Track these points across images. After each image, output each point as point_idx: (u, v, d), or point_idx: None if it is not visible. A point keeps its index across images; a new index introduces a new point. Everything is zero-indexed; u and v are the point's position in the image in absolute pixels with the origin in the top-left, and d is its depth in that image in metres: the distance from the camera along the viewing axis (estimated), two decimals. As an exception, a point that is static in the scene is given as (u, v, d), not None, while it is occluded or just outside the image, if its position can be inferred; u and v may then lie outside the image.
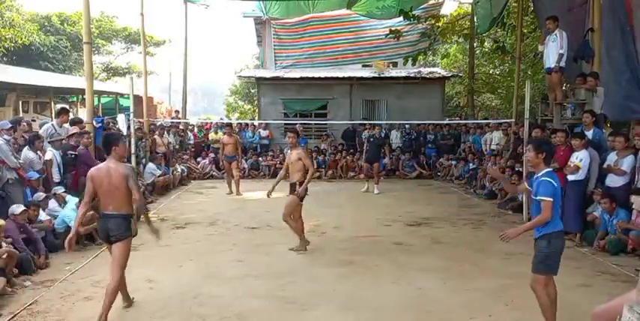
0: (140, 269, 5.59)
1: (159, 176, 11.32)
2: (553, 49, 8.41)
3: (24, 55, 24.93)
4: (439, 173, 14.51)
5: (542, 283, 4.09)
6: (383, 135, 14.22)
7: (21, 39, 20.27)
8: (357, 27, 15.05)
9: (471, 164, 13.07)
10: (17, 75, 17.66)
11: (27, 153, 7.18)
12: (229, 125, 12.32)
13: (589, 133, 7.56)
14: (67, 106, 17.01)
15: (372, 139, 12.02)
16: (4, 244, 5.26)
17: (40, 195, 6.92)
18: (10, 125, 7.29)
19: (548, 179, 3.89)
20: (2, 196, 6.41)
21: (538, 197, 3.89)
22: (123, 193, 4.23)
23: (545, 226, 3.91)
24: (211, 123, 18.06)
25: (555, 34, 8.33)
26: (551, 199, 3.83)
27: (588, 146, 7.22)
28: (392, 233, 7.71)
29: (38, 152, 7.32)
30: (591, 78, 8.17)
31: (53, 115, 14.86)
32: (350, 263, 6.11)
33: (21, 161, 6.89)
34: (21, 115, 16.04)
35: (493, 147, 13.06)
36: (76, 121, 9.00)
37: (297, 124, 16.27)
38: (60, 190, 7.25)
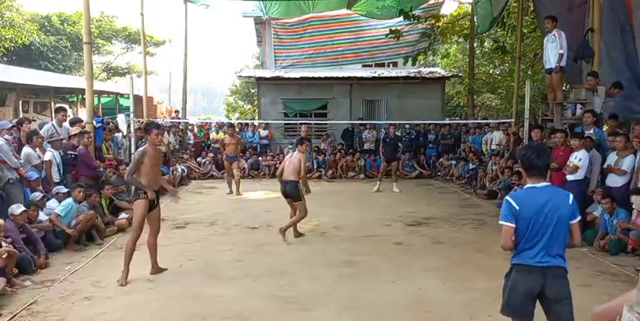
0: (140, 269, 5.59)
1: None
2: (553, 50, 8.41)
3: (24, 55, 24.91)
4: (439, 173, 14.51)
5: None
6: (399, 134, 14.22)
7: (21, 39, 20.23)
8: (357, 27, 15.05)
9: (471, 164, 13.07)
10: (17, 75, 17.65)
11: (25, 149, 7.21)
12: (232, 126, 12.30)
13: (590, 133, 7.57)
14: (66, 106, 16.97)
15: (387, 140, 12.03)
16: (4, 244, 5.26)
17: (37, 195, 6.92)
18: (10, 125, 7.32)
19: (507, 198, 3.21)
20: (2, 196, 6.41)
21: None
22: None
23: (513, 255, 3.26)
24: (210, 123, 18.06)
25: (554, 35, 8.33)
26: (506, 224, 3.16)
27: (592, 147, 7.23)
28: (392, 233, 7.71)
29: (37, 149, 7.34)
30: (591, 77, 8.17)
31: (53, 115, 14.85)
32: (350, 263, 6.11)
33: (22, 161, 6.90)
34: (21, 115, 16.02)
35: (493, 147, 13.06)
36: (75, 121, 9.02)
37: (297, 123, 16.33)
38: (63, 190, 7.25)
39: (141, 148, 5.35)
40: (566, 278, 3.19)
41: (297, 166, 7.07)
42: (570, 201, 3.14)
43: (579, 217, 3.23)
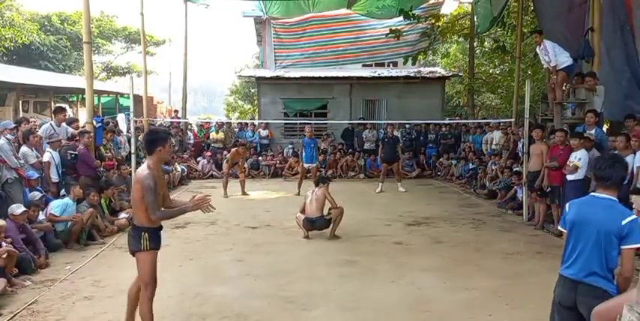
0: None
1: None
2: (546, 62, 8.53)
3: (24, 55, 24.88)
4: (439, 173, 14.51)
5: None
6: (398, 135, 14.26)
7: (21, 38, 20.20)
8: (357, 27, 15.04)
9: (470, 164, 13.07)
10: (17, 75, 17.63)
11: (22, 148, 7.24)
12: (244, 146, 12.21)
13: (591, 133, 7.56)
14: (65, 105, 16.96)
15: (386, 140, 12.03)
16: (4, 244, 5.26)
17: (36, 194, 6.92)
18: (13, 125, 7.32)
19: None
20: (2, 196, 6.41)
21: None
22: (137, 202, 3.78)
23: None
24: (210, 123, 18.06)
25: (541, 49, 8.44)
26: (560, 229, 3.19)
27: (592, 147, 7.23)
28: (392, 233, 7.71)
29: (34, 149, 7.34)
30: (590, 78, 8.17)
31: (52, 115, 14.82)
32: (350, 263, 6.11)
33: (21, 161, 6.90)
34: (21, 114, 16.01)
35: (494, 147, 13.06)
36: (72, 121, 9.05)
37: (297, 123, 16.32)
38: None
39: (146, 173, 3.67)
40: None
41: (322, 202, 7.27)
42: (625, 222, 2.80)
43: (638, 245, 2.82)
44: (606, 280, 2.90)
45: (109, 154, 9.73)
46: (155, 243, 3.81)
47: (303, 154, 11.61)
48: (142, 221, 3.77)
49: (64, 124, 8.56)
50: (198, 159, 14.73)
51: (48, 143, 7.81)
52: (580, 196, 7.12)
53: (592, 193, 3.05)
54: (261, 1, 13.95)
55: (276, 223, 8.36)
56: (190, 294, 5.02)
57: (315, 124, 16.55)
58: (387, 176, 12.23)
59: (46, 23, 27.08)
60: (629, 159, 6.80)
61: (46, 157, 7.51)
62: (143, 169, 3.73)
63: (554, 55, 8.31)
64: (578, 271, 2.96)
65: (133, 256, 3.85)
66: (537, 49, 8.81)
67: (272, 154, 15.15)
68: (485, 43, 19.51)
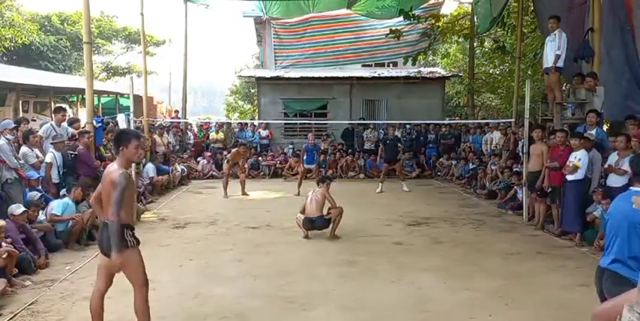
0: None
1: (159, 175, 11.38)
2: (551, 49, 8.44)
3: (24, 55, 24.89)
4: (439, 173, 14.51)
5: None
6: (398, 135, 14.33)
7: (21, 39, 20.21)
8: (357, 27, 15.06)
9: (470, 164, 13.07)
10: (17, 75, 17.63)
11: (22, 148, 7.24)
12: (244, 146, 12.22)
13: (592, 133, 7.56)
14: (65, 105, 16.94)
15: (388, 141, 12.16)
16: (4, 244, 5.26)
17: (35, 194, 6.92)
18: (13, 125, 7.31)
19: None
20: (2, 196, 6.41)
21: None
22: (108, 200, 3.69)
23: None
24: (210, 123, 18.06)
25: (554, 34, 8.35)
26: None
27: (592, 147, 7.22)
28: (392, 233, 7.71)
29: (34, 149, 7.33)
30: (590, 78, 8.17)
31: (52, 115, 14.78)
32: (350, 263, 6.11)
33: (21, 162, 6.90)
34: (21, 114, 16.00)
35: (494, 147, 13.06)
36: (73, 121, 9.02)
37: (297, 123, 16.32)
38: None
39: (120, 172, 3.63)
40: (625, 288, 2.71)
41: (322, 202, 7.30)
42: None
43: None
44: (629, 268, 2.99)
45: (109, 154, 9.71)
46: (136, 240, 3.78)
47: (304, 157, 11.85)
48: (123, 219, 3.66)
49: (64, 124, 8.55)
50: (198, 159, 14.74)
51: (51, 144, 7.80)
52: (579, 196, 7.20)
53: (631, 187, 3.19)
54: (261, 1, 13.95)
55: (276, 223, 8.36)
56: (190, 294, 5.02)
57: (315, 124, 16.58)
58: (386, 176, 12.25)
59: (46, 23, 27.09)
60: (629, 159, 6.81)
61: (48, 158, 7.51)
62: (116, 169, 3.67)
63: (563, 45, 8.25)
64: (606, 259, 3.13)
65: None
66: (548, 37, 8.73)
67: (272, 155, 15.16)
68: (486, 43, 19.50)
